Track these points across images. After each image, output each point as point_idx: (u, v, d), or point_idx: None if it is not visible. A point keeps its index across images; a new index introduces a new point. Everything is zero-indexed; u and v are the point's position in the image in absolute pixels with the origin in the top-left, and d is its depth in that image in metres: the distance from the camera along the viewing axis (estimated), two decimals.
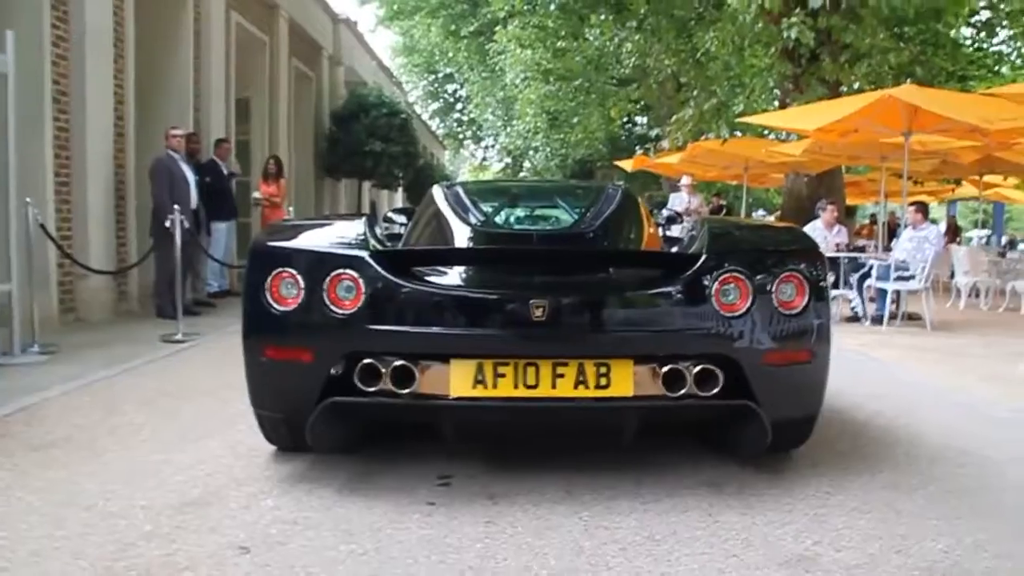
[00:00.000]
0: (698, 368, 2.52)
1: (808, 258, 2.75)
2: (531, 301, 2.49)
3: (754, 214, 18.95)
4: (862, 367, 5.27)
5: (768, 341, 2.61)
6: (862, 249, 9.19)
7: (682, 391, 2.52)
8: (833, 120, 8.14)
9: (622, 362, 2.54)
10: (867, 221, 18.49)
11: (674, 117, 12.57)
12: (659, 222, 5.07)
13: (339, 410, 2.58)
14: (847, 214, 15.66)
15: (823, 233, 8.58)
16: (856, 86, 10.70)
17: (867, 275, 7.93)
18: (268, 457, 3.02)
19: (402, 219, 4.75)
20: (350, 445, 2.98)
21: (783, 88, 11.90)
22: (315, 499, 2.58)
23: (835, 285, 8.18)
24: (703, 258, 2.65)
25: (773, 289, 2.63)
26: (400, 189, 18.46)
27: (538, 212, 3.83)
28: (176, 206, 6.33)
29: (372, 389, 2.53)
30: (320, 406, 2.52)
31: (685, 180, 11.46)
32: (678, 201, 11.46)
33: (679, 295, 2.59)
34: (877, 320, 7.75)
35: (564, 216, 3.57)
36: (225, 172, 8.71)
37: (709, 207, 13.94)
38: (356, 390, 2.54)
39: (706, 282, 2.60)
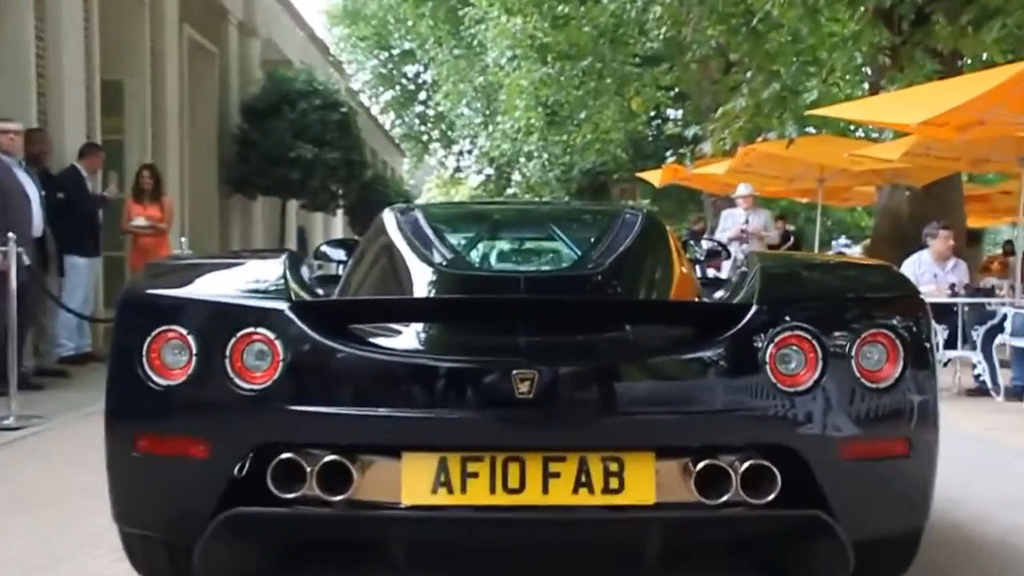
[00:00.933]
0: (747, 464, 2.54)
1: (904, 309, 2.80)
2: (514, 372, 2.51)
3: (833, 244, 19.10)
4: (990, 461, 5.31)
5: (846, 427, 2.64)
6: (991, 292, 9.27)
7: (724, 497, 2.54)
8: (948, 108, 8.05)
9: (640, 456, 2.56)
10: (999, 252, 18.72)
11: (720, 110, 12.75)
12: (696, 257, 5.15)
13: (244, 525, 2.58)
14: (969, 241, 15.82)
15: (933, 269, 8.69)
16: (984, 58, 10.77)
17: (998, 329, 7.99)
18: None
19: (340, 254, 4.81)
20: (256, 575, 2.98)
21: (876, 65, 12.09)
22: None
23: (950, 344, 8.24)
24: (754, 310, 2.69)
25: (853, 353, 2.67)
26: (340, 212, 18.57)
27: (527, 246, 3.88)
28: (10, 234, 6.33)
29: (292, 495, 2.53)
30: (217, 520, 2.52)
31: (743, 189, 11.64)
32: (731, 221, 11.50)
33: (720, 362, 2.63)
34: (1014, 393, 7.81)
35: (563, 252, 3.62)
36: (91, 189, 8.77)
37: (777, 230, 14.05)
38: (269, 497, 2.54)
39: (758, 344, 2.64)
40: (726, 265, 7.56)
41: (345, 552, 3.28)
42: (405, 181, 33.01)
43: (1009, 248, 16.82)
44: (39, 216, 7.52)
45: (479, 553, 3.13)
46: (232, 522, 2.53)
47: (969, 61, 11.32)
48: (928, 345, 2.76)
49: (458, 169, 34.67)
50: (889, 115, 9.62)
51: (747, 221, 11.29)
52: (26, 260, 6.42)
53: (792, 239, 15.69)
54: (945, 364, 8.56)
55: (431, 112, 31.91)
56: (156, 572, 2.98)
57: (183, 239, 9.70)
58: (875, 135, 14.14)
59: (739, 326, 2.66)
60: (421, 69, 32.01)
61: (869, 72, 13.95)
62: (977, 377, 8.20)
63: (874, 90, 12.24)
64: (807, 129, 13.23)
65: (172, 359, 2.63)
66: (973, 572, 3.33)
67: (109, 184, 9.10)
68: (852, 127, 15.41)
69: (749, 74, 12.84)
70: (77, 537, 3.60)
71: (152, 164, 10.37)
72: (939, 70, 10.65)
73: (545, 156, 24.28)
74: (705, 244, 5.63)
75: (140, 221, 9.59)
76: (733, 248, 11.03)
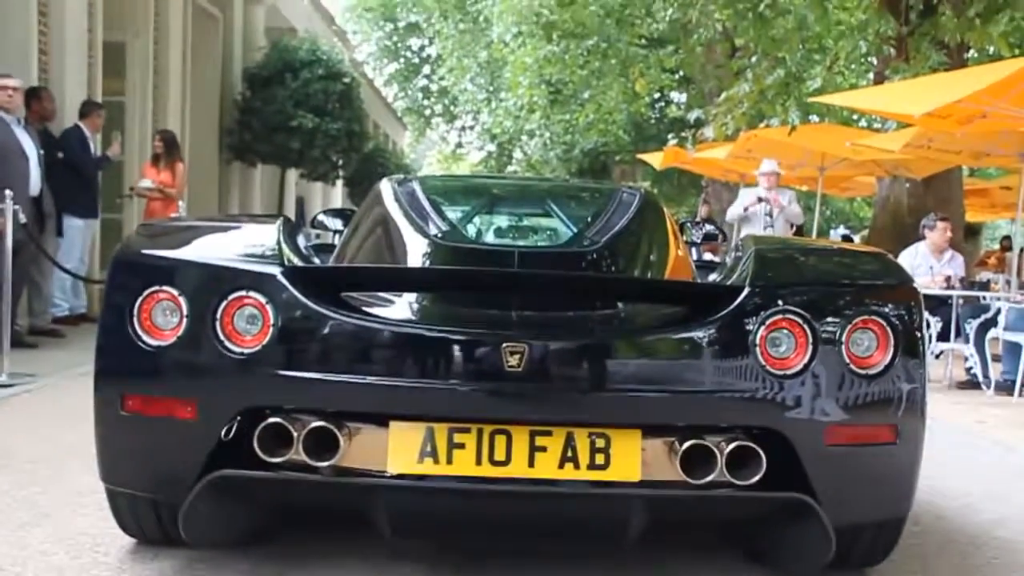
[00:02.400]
0: (732, 445, 2.56)
1: (897, 297, 2.81)
2: (504, 345, 2.53)
3: (832, 233, 19.10)
4: (978, 454, 5.33)
5: (833, 412, 2.65)
6: (987, 286, 9.28)
7: (709, 477, 2.55)
8: (951, 100, 8.04)
9: (627, 433, 2.58)
10: (997, 247, 18.76)
11: (724, 94, 12.76)
12: (692, 240, 5.15)
13: (230, 488, 2.60)
14: (967, 235, 15.85)
15: (929, 261, 8.70)
16: (990, 51, 10.73)
17: (992, 323, 8.03)
18: (122, 554, 3.02)
19: (337, 224, 4.83)
20: (242, 538, 2.98)
21: (881, 55, 12.06)
22: None
23: (943, 336, 8.27)
24: (745, 292, 2.69)
25: (843, 339, 2.68)
26: (339, 183, 18.55)
27: (523, 221, 3.89)
28: (6, 191, 6.33)
29: (278, 460, 2.54)
30: (203, 482, 2.54)
31: (767, 165, 10.89)
32: (748, 199, 10.85)
33: (710, 343, 2.64)
34: (1004, 387, 7.85)
35: (559, 228, 3.63)
36: (93, 150, 8.75)
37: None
38: (255, 460, 2.55)
39: (748, 326, 2.65)
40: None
41: (332, 519, 3.29)
42: (406, 155, 32.99)
43: (1007, 243, 16.87)
44: (37, 174, 7.49)
45: (463, 524, 3.14)
46: (218, 484, 2.55)
47: (975, 54, 11.28)
48: (919, 334, 2.77)
49: (459, 145, 34.59)
50: (893, 105, 9.58)
51: (766, 202, 10.59)
52: (22, 218, 6.41)
53: (794, 227, 15.64)
54: (937, 356, 8.60)
55: (434, 87, 31.77)
56: (142, 531, 3.00)
57: (180, 203, 9.68)
58: (878, 125, 14.13)
59: (730, 307, 2.67)
60: (426, 43, 31.87)
61: (874, 62, 13.92)
62: (969, 370, 8.25)
63: (879, 80, 12.21)
64: (811, 117, 13.18)
65: (163, 320, 2.64)
66: (956, 561, 3.34)
67: (112, 144, 9.08)
68: (855, 117, 15.40)
69: (754, 59, 12.84)
70: (64, 495, 3.61)
71: (167, 129, 10.37)
72: (945, 62, 10.63)
73: (547, 135, 24.23)
74: (707, 228, 5.63)
75: (146, 183, 9.59)
76: (747, 227, 10.46)
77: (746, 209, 10.76)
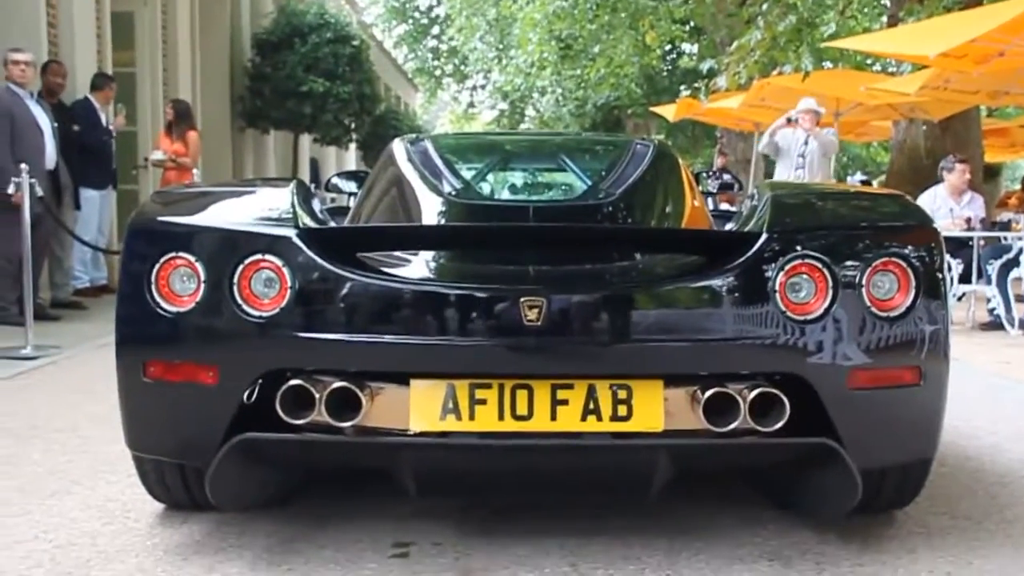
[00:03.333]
0: (755, 392, 2.55)
1: (917, 238, 2.78)
2: (523, 299, 2.52)
3: (848, 179, 18.98)
4: (1002, 395, 5.31)
5: (856, 355, 2.64)
6: (1008, 226, 9.22)
7: (732, 424, 2.54)
8: (967, 40, 8.01)
9: (649, 384, 2.57)
10: (1017, 187, 18.58)
11: (735, 43, 12.60)
12: (708, 190, 5.12)
13: (254, 451, 2.61)
14: (987, 176, 15.71)
15: (949, 203, 8.65)
16: None
17: (1014, 263, 8.00)
18: (152, 519, 3.05)
19: (352, 186, 4.83)
20: (269, 500, 3.01)
21: None
22: None
23: (964, 278, 8.22)
24: (763, 238, 2.67)
25: (864, 282, 2.66)
26: (352, 146, 18.54)
27: (537, 177, 3.88)
28: (22, 165, 6.35)
29: (301, 421, 2.55)
30: (227, 446, 2.55)
31: (805, 103, 10.30)
32: (783, 140, 10.32)
33: (730, 291, 2.62)
34: None
35: (573, 182, 3.62)
36: (104, 122, 8.76)
37: None
38: (278, 423, 2.56)
39: (768, 272, 2.63)
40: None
41: (358, 480, 3.31)
42: (419, 116, 32.87)
43: None
44: (52, 148, 7.54)
45: (488, 480, 3.16)
46: (242, 447, 2.56)
47: None
48: (940, 275, 2.74)
49: (471, 104, 34.48)
50: (907, 47, 9.51)
51: (806, 142, 10.04)
52: (39, 191, 6.44)
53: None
54: (959, 298, 8.55)
55: (444, 47, 31.62)
56: (169, 496, 3.03)
57: (195, 172, 9.70)
58: (892, 69, 13.99)
59: (749, 254, 2.65)
60: (434, 2, 31.69)
61: (888, 4, 13.76)
62: (991, 311, 8.21)
63: (892, 23, 12.06)
64: (824, 63, 13.05)
65: (180, 286, 2.64)
66: (983, 502, 3.33)
67: (117, 116, 9.08)
68: (869, 61, 15.24)
69: (765, 6, 12.66)
70: (91, 463, 3.65)
71: (179, 99, 10.36)
72: (959, 1, 10.49)
73: (559, 91, 24.13)
74: (727, 177, 5.57)
75: (158, 155, 9.61)
76: (781, 163, 10.11)
77: (773, 135, 10.46)
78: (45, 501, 3.23)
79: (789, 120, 10.26)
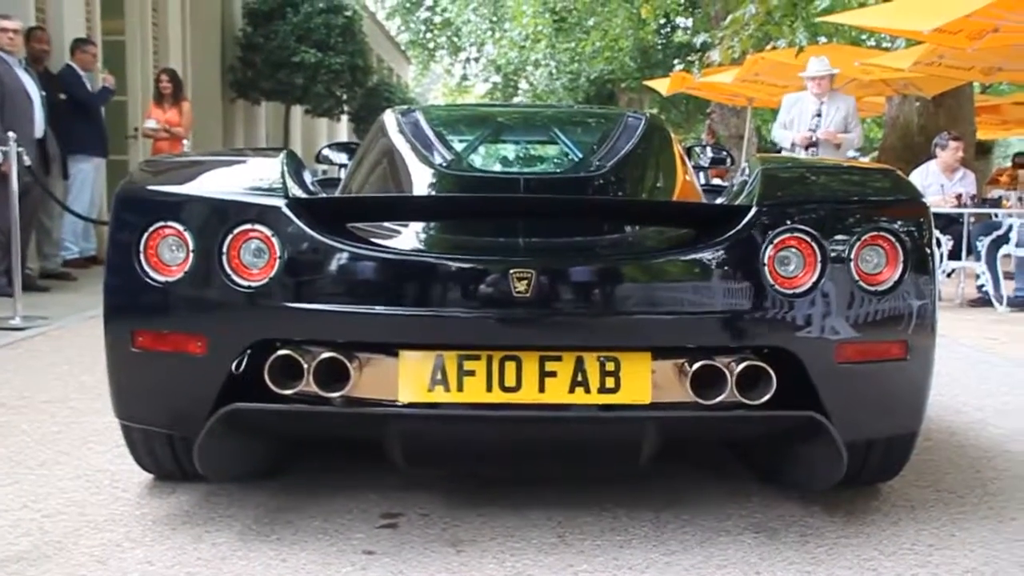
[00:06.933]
0: (743, 365, 2.56)
1: (906, 213, 2.79)
2: (511, 271, 2.52)
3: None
4: (989, 371, 5.33)
5: (843, 329, 2.65)
6: (998, 203, 9.21)
7: (719, 397, 2.56)
8: (962, 15, 7.96)
9: (637, 356, 2.58)
10: (1009, 164, 18.58)
11: (729, 17, 12.54)
12: (700, 164, 5.12)
13: (242, 421, 2.62)
14: (979, 153, 15.71)
15: (940, 180, 8.64)
16: None
17: (1003, 240, 8.00)
18: (140, 490, 3.05)
19: (342, 157, 4.83)
20: (257, 471, 3.02)
21: None
22: (206, 548, 2.61)
23: (954, 254, 8.24)
24: (752, 212, 2.67)
25: (852, 256, 2.67)
26: (344, 118, 18.46)
27: (528, 150, 3.87)
28: (10, 134, 6.30)
29: (289, 392, 2.56)
30: (215, 416, 2.55)
31: (815, 65, 8.94)
32: (797, 111, 8.97)
33: (718, 264, 2.63)
34: (1016, 304, 7.86)
35: (564, 155, 3.62)
36: (90, 86, 8.70)
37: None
38: (267, 393, 2.57)
39: (756, 245, 2.63)
40: None
41: (348, 452, 3.32)
42: (411, 88, 32.72)
43: (1020, 160, 16.69)
44: (41, 116, 7.49)
45: (476, 452, 3.17)
46: (230, 417, 2.56)
47: None
48: (928, 250, 2.75)
49: (464, 77, 34.29)
50: (902, 22, 9.43)
51: (819, 114, 8.71)
52: (27, 161, 6.40)
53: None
54: (949, 275, 8.57)
55: (437, 18, 31.43)
56: (158, 466, 3.04)
57: (186, 142, 9.65)
58: (887, 45, 13.97)
59: (738, 227, 2.65)
60: None
61: None
62: (980, 288, 8.24)
63: None
64: (818, 38, 12.99)
65: (169, 255, 2.64)
66: (967, 476, 3.35)
67: (105, 78, 9.03)
68: (864, 36, 15.19)
69: None
70: (80, 434, 3.65)
71: (171, 68, 10.31)
72: None
73: (552, 64, 24.06)
74: (711, 153, 5.57)
75: (151, 123, 9.58)
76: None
77: (794, 146, 8.99)
78: (34, 471, 3.23)
79: (812, 136, 8.80)
